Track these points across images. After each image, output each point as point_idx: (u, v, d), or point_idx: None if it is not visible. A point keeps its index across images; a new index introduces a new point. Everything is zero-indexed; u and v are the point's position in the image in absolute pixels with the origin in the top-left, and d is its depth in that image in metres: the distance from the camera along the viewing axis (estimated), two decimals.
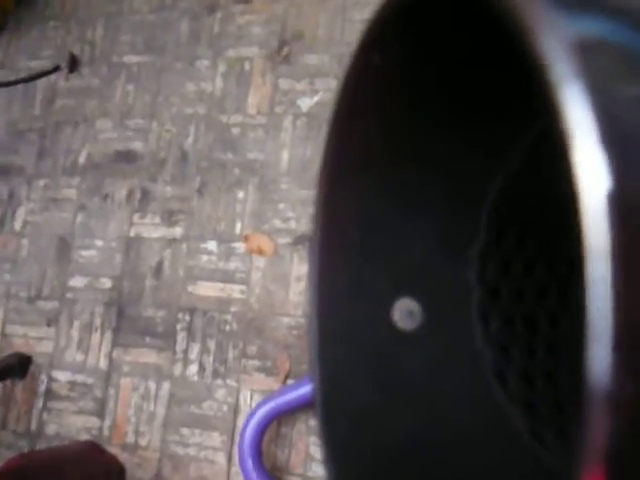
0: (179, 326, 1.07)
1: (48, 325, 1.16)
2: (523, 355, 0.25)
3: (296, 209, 1.07)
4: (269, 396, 0.93)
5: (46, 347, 1.15)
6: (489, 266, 0.26)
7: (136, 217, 1.17)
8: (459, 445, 0.23)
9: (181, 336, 1.07)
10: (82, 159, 1.25)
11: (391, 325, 0.24)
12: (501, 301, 0.26)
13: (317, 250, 0.24)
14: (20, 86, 1.33)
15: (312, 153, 1.09)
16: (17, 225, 1.25)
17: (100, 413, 1.08)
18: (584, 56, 0.12)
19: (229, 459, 0.99)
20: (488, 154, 0.25)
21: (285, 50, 1.17)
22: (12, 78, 1.33)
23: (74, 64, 1.31)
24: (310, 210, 1.06)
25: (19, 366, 1.14)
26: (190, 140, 1.18)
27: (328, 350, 0.22)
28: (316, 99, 1.11)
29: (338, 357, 0.22)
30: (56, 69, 1.31)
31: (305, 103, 1.12)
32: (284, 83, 1.15)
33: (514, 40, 0.14)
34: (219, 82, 1.20)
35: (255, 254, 1.07)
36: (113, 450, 1.05)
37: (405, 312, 0.24)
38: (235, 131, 1.15)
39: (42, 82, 1.33)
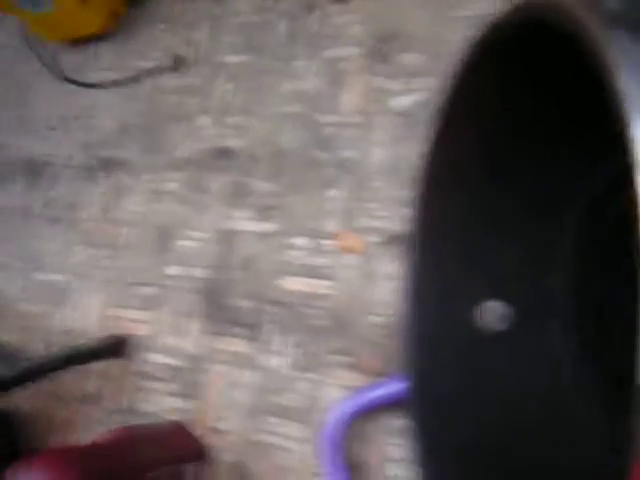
0: (266, 318, 1.10)
1: (145, 310, 1.23)
2: (599, 364, 0.24)
3: (388, 208, 1.06)
4: (355, 393, 0.94)
5: (142, 330, 1.22)
6: (573, 276, 0.25)
7: (232, 211, 1.21)
8: (536, 447, 0.23)
9: (268, 328, 1.10)
10: (183, 154, 1.31)
11: (478, 326, 0.24)
12: (583, 311, 0.25)
13: (413, 254, 0.24)
14: (129, 85, 1.42)
15: (406, 153, 1.08)
16: (121, 214, 1.34)
17: (189, 396, 1.13)
18: None
19: (311, 452, 1.00)
20: (576, 173, 0.24)
21: (382, 49, 1.17)
22: (122, 77, 1.42)
23: (179, 64, 1.38)
24: (402, 210, 1.05)
25: (116, 347, 1.21)
26: (286, 138, 1.21)
27: (420, 347, 0.22)
28: (412, 99, 1.11)
29: (429, 354, 0.22)
30: (162, 69, 1.39)
31: (400, 103, 1.11)
32: (380, 82, 1.15)
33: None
34: (315, 81, 1.22)
35: (345, 252, 1.08)
36: (199, 432, 1.10)
37: (493, 315, 0.24)
38: (329, 130, 1.16)
39: (149, 81, 1.41)
